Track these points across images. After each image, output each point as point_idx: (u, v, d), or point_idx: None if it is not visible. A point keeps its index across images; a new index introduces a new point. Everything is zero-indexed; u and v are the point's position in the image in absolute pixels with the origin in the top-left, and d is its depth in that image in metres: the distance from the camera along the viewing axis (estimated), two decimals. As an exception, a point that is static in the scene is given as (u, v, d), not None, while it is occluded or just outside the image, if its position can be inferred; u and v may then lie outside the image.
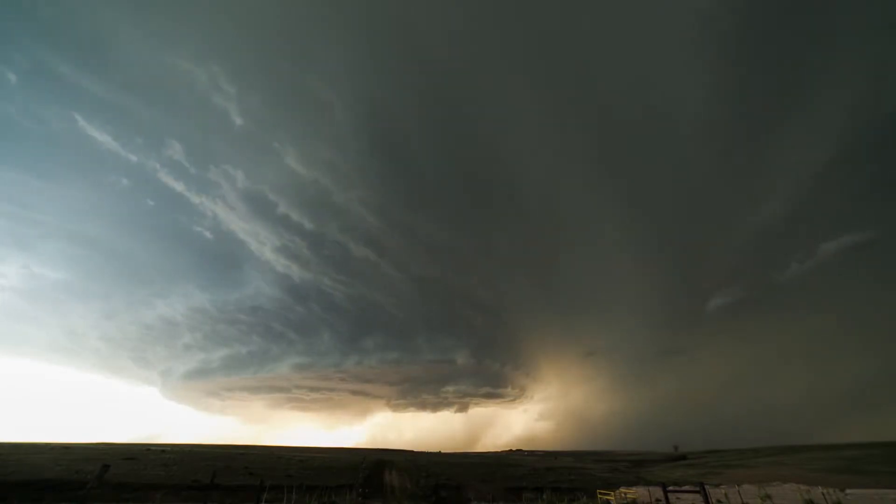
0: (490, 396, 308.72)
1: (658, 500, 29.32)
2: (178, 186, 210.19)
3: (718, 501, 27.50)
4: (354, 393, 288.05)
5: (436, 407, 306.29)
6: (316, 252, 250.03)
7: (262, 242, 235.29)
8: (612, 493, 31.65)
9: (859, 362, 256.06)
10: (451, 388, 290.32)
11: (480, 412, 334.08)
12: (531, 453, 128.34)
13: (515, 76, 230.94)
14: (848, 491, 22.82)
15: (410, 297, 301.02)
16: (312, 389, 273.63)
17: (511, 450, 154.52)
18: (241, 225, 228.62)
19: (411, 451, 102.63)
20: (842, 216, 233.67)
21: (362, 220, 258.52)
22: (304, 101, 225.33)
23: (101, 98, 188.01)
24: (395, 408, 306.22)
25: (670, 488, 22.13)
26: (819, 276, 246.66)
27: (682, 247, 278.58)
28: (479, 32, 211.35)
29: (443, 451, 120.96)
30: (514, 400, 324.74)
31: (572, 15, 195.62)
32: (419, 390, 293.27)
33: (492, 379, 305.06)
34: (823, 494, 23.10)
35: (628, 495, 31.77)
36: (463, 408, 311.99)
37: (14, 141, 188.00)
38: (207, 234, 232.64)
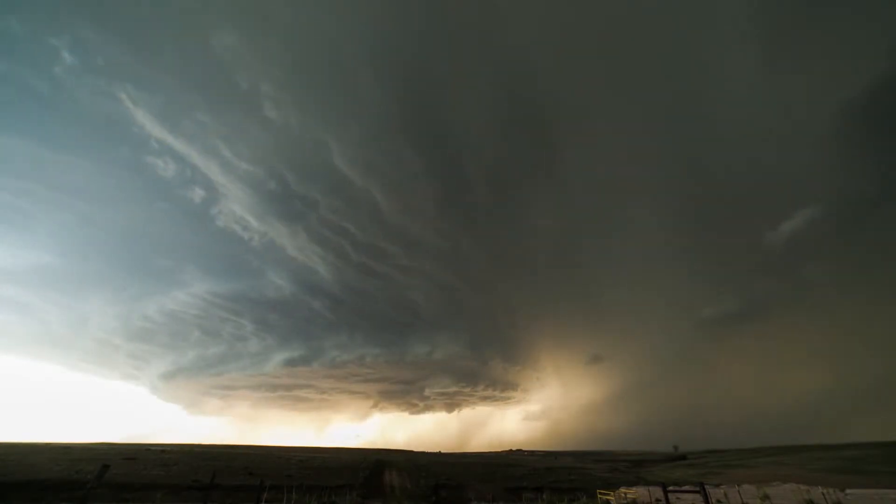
0: (491, 397, 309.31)
1: (658, 500, 29.30)
2: (206, 173, 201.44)
3: (718, 501, 27.48)
4: (352, 393, 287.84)
5: (432, 408, 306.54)
6: (333, 247, 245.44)
7: (281, 237, 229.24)
8: (612, 493, 31.64)
9: (859, 364, 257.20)
10: (451, 388, 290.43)
11: (480, 412, 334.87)
12: (531, 453, 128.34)
13: (578, 75, 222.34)
14: (848, 491, 22.80)
15: (421, 294, 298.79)
16: (313, 389, 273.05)
17: (511, 450, 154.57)
18: (259, 217, 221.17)
19: (411, 451, 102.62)
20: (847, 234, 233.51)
21: (387, 217, 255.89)
22: (351, 99, 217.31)
23: (147, 79, 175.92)
24: (396, 407, 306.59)
25: (670, 488, 22.10)
26: (820, 282, 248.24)
27: (695, 257, 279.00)
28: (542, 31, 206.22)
29: (443, 451, 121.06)
30: (512, 401, 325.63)
31: (635, 10, 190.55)
32: (415, 390, 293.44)
33: (493, 379, 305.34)
34: (823, 494, 23.08)
35: (628, 495, 31.74)
36: (451, 408, 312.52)
37: (48, 115, 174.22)
38: (223, 226, 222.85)
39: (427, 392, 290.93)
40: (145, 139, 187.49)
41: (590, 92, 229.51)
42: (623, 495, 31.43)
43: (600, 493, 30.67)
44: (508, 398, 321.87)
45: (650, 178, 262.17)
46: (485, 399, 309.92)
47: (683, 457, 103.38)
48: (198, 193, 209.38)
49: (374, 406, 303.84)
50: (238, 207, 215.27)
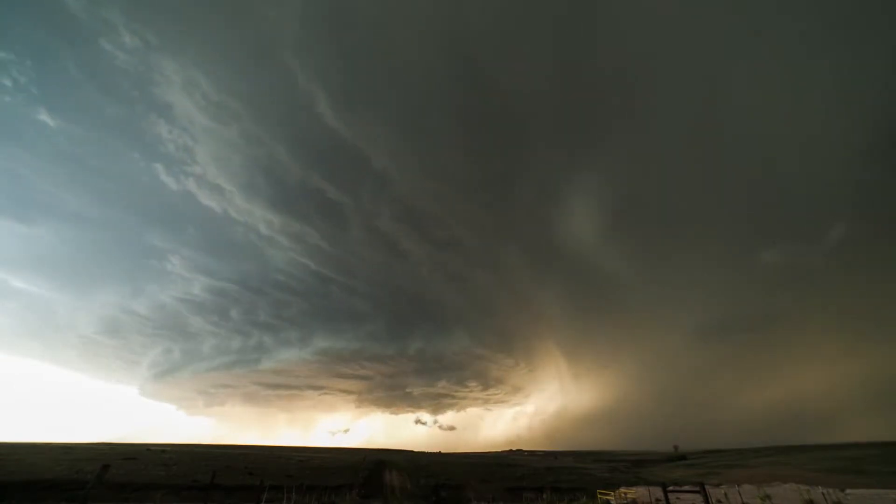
0: (496, 399, 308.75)
1: (658, 500, 29.29)
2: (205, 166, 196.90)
3: (718, 501, 27.48)
4: (348, 392, 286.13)
5: (435, 408, 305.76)
6: (366, 244, 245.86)
7: (304, 232, 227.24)
8: (612, 493, 31.63)
9: (858, 364, 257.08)
10: (456, 388, 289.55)
11: (483, 412, 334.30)
12: (531, 453, 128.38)
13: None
14: (848, 491, 22.80)
15: (447, 294, 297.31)
16: (307, 387, 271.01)
17: (511, 450, 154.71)
18: (245, 206, 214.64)
19: (411, 451, 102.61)
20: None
21: (430, 219, 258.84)
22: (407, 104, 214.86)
23: (197, 63, 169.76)
24: (391, 409, 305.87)
25: (670, 488, 22.10)
26: (820, 281, 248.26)
27: (706, 270, 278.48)
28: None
29: (443, 451, 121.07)
30: (513, 402, 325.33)
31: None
32: (419, 389, 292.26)
33: (500, 380, 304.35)
34: (823, 494, 23.08)
35: (628, 495, 31.73)
36: (454, 408, 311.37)
37: (85, 93, 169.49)
38: (238, 218, 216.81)
39: (431, 391, 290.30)
40: (185, 126, 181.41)
41: (627, 104, 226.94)
42: (623, 495, 31.41)
43: (600, 493, 30.65)
44: (510, 400, 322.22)
45: (676, 190, 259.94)
46: (489, 400, 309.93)
47: (683, 457, 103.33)
48: (223, 184, 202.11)
49: (369, 406, 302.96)
50: (262, 204, 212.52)
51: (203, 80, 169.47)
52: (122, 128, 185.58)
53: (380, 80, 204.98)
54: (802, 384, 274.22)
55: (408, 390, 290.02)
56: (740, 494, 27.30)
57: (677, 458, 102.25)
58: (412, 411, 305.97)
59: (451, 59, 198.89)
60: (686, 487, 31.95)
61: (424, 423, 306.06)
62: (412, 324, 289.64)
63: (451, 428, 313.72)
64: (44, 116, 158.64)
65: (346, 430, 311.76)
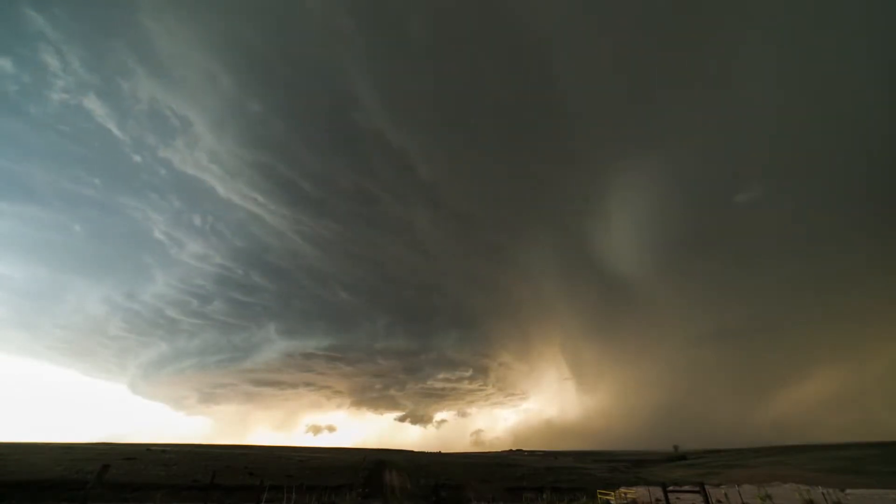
0: (493, 398, 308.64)
1: (658, 500, 29.28)
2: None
3: (718, 501, 27.47)
4: (345, 392, 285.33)
5: (440, 407, 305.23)
6: (367, 235, 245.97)
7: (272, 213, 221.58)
8: (612, 493, 31.62)
9: (859, 364, 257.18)
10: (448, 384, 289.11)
11: (484, 413, 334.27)
12: (531, 453, 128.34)
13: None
14: (848, 491, 22.81)
15: (461, 296, 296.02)
16: (312, 386, 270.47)
17: (511, 450, 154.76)
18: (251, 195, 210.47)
19: (411, 451, 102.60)
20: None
21: (468, 225, 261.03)
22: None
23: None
24: (391, 408, 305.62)
25: (670, 488, 22.12)
26: (819, 280, 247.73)
27: (712, 276, 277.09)
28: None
29: (443, 451, 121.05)
30: (510, 403, 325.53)
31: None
32: (422, 387, 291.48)
33: (504, 380, 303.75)
34: (823, 494, 23.08)
35: (628, 495, 31.74)
36: (460, 409, 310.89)
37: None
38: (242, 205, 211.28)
39: (433, 391, 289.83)
40: (218, 115, 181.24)
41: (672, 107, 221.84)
42: (623, 495, 31.42)
43: (600, 493, 30.64)
44: (511, 400, 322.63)
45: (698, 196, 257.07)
46: (490, 400, 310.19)
47: (683, 457, 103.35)
48: (245, 174, 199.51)
49: (368, 405, 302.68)
50: (283, 199, 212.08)
51: (244, 71, 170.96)
52: (159, 114, 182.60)
53: (425, 80, 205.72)
54: (803, 384, 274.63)
55: (408, 390, 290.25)
56: (740, 494, 27.29)
57: (677, 458, 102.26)
58: (411, 411, 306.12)
59: (499, 56, 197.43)
60: (686, 487, 31.94)
61: (425, 423, 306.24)
62: (424, 323, 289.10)
63: (443, 422, 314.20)
64: (91, 104, 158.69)
65: (333, 429, 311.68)
